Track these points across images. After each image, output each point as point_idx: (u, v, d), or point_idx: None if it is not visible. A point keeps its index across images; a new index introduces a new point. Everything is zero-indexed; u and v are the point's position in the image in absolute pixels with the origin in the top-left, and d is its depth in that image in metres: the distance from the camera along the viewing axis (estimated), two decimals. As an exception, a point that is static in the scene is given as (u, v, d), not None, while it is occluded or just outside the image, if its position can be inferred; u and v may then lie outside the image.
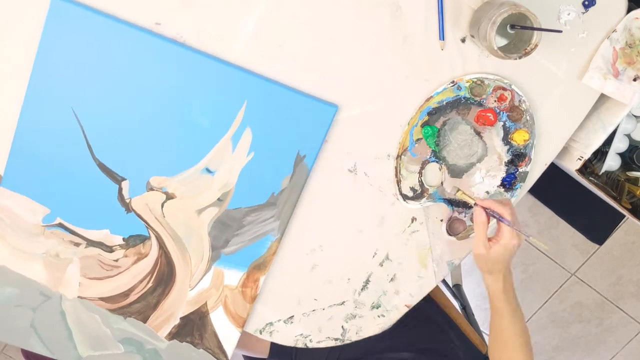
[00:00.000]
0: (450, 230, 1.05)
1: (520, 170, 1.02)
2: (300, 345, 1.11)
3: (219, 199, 1.01)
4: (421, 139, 1.00)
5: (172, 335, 1.07)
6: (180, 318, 1.06)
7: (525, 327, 0.99)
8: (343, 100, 0.98)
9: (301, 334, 1.11)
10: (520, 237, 0.88)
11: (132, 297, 1.04)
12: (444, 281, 1.71)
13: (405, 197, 1.03)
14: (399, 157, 1.01)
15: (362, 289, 1.09)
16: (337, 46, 0.95)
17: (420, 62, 0.97)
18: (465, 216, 1.04)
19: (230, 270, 1.04)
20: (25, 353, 2.01)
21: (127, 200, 0.98)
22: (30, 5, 0.88)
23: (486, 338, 1.51)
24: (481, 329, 1.48)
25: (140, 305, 1.04)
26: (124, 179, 0.97)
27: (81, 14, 0.88)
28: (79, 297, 1.03)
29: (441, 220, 1.05)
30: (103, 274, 1.02)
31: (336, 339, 1.12)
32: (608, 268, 2.08)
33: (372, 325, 1.11)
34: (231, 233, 1.02)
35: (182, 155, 0.97)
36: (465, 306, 1.65)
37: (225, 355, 1.09)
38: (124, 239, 1.01)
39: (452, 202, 1.04)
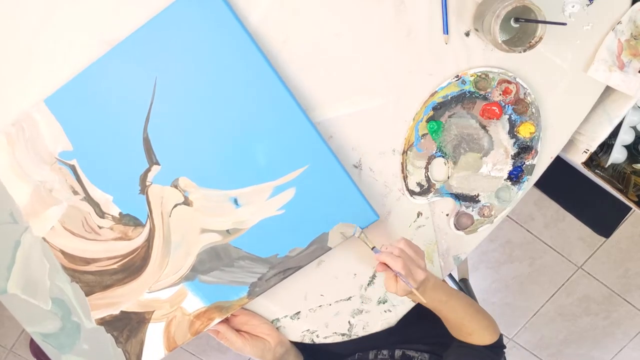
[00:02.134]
0: (458, 225, 1.05)
1: (527, 163, 1.02)
2: (307, 340, 1.12)
3: (227, 231, 1.00)
4: (427, 134, 1.00)
5: (102, 322, 1.04)
6: (121, 311, 1.03)
7: (464, 302, 1.02)
8: (347, 95, 0.98)
9: (308, 330, 1.11)
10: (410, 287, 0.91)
11: (92, 268, 1.01)
12: (450, 275, 1.71)
13: (412, 193, 1.03)
14: (404, 152, 1.01)
15: (368, 284, 1.09)
16: (341, 41, 0.95)
17: (425, 56, 0.96)
18: (472, 210, 1.04)
19: (195, 296, 1.03)
20: (34, 352, 2.02)
21: (148, 184, 0.98)
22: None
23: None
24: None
25: (93, 279, 1.02)
26: (157, 164, 0.97)
27: (215, 5, 0.90)
28: (43, 238, 1.00)
29: (447, 215, 1.05)
30: (80, 232, 1.00)
31: (343, 334, 1.12)
32: (615, 261, 2.07)
33: (378, 320, 1.11)
34: (218, 265, 1.02)
35: (222, 175, 0.98)
36: (471, 300, 1.65)
37: None
38: (120, 214, 0.99)
39: (459, 197, 1.03)
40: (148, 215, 0.99)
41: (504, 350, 1.07)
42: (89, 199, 0.98)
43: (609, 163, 1.06)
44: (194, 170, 0.97)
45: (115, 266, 1.01)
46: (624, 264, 2.08)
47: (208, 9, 0.90)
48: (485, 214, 1.05)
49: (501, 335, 1.05)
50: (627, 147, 1.06)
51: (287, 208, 0.99)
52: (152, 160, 0.96)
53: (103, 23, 0.93)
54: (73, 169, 0.97)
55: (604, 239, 2.02)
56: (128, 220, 0.99)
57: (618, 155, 1.05)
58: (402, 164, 1.01)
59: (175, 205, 0.99)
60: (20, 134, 0.95)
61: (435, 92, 0.97)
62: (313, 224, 1.00)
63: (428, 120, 0.99)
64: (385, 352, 1.10)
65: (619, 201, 1.08)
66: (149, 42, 0.92)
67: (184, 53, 0.92)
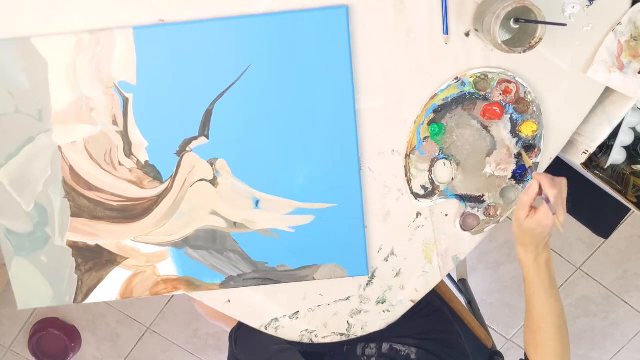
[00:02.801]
0: (464, 226, 1.05)
1: (531, 161, 1.01)
2: (305, 340, 1.11)
3: (234, 223, 1.02)
4: (428, 137, 0.99)
5: (73, 245, 1.03)
6: (97, 244, 1.04)
7: (560, 309, 0.96)
8: (347, 95, 0.98)
9: (306, 330, 1.11)
10: (555, 220, 0.87)
11: (91, 195, 1.01)
12: (449, 276, 1.71)
13: (416, 196, 1.03)
14: (407, 156, 1.01)
15: (367, 284, 1.09)
16: (341, 41, 0.95)
17: (424, 56, 0.96)
18: (478, 211, 1.04)
19: (172, 264, 1.05)
20: (33, 350, 2.02)
21: (188, 150, 0.98)
22: None
23: (491, 332, 1.51)
24: (487, 323, 1.48)
25: (87, 205, 1.01)
26: (206, 137, 0.98)
27: None
28: (59, 146, 0.98)
29: (446, 215, 1.05)
30: (99, 159, 0.99)
31: (341, 334, 1.12)
32: (614, 262, 2.07)
33: (377, 320, 1.11)
34: (208, 247, 1.03)
35: (258, 175, 1.00)
36: (470, 301, 1.65)
37: (84, 299, 1.06)
38: (146, 162, 0.99)
39: (464, 198, 1.03)
40: (171, 176, 1.00)
41: None
42: (124, 134, 0.98)
43: (608, 164, 1.06)
44: (235, 159, 0.99)
45: (114, 204, 1.01)
46: (622, 265, 2.08)
47: (330, 26, 0.93)
48: (491, 214, 1.04)
49: None
50: (626, 148, 1.06)
51: (298, 230, 1.02)
52: (203, 131, 0.97)
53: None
54: (125, 101, 0.96)
55: (602, 239, 2.02)
56: (150, 170, 1.00)
57: (617, 156, 1.05)
58: (406, 167, 1.01)
59: (201, 180, 1.00)
60: (92, 45, 0.93)
61: (435, 94, 0.97)
62: (312, 253, 1.03)
63: (429, 123, 0.99)
64: (373, 345, 1.10)
65: (618, 202, 1.08)
66: (265, 32, 0.93)
67: (289, 56, 0.94)
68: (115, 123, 0.97)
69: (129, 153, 0.99)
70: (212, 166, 0.99)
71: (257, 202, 1.01)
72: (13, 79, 0.95)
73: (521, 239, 0.93)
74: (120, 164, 0.99)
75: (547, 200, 0.86)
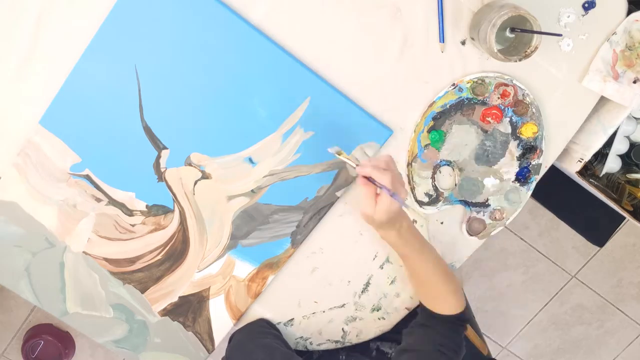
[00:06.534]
0: (471, 231, 1.05)
1: (533, 162, 1.02)
2: (300, 347, 1.11)
3: (252, 191, 1.01)
4: (429, 144, 1.00)
5: (165, 312, 1.05)
6: (179, 297, 1.05)
7: (436, 257, 0.97)
8: (343, 102, 0.98)
9: (301, 337, 1.11)
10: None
11: (138, 265, 1.02)
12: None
13: (421, 204, 1.03)
14: (409, 164, 1.01)
15: (362, 292, 1.08)
16: (337, 49, 0.95)
17: (421, 64, 0.97)
18: (483, 215, 1.04)
19: (243, 262, 1.04)
20: (26, 356, 2.01)
21: (162, 170, 0.98)
22: None
23: (486, 340, 1.51)
24: (482, 331, 1.47)
25: (143, 275, 1.03)
26: (165, 148, 0.97)
27: None
28: (83, 252, 1.01)
29: (441, 223, 1.05)
30: (115, 235, 1.01)
31: (336, 342, 1.11)
32: (609, 270, 2.07)
33: (372, 327, 1.11)
34: (254, 226, 1.02)
35: (229, 139, 0.97)
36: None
37: (213, 344, 1.08)
38: (147, 206, 1.00)
39: (468, 203, 1.03)
40: (173, 200, 1.00)
41: (466, 325, 1.00)
42: (113, 202, 0.99)
43: (603, 172, 1.06)
44: (202, 143, 0.98)
45: (159, 257, 1.02)
46: (617, 274, 2.08)
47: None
48: (497, 217, 1.04)
49: (467, 308, 1.00)
50: (621, 156, 1.06)
51: (301, 150, 0.99)
52: (158, 146, 0.97)
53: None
54: (88, 178, 0.98)
55: (597, 248, 2.02)
56: (156, 210, 1.00)
57: (612, 164, 1.05)
58: (408, 176, 1.01)
59: (196, 182, 0.99)
60: (27, 161, 0.96)
61: (434, 102, 0.97)
62: (331, 157, 0.98)
63: (429, 131, 0.99)
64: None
65: (613, 210, 1.08)
66: (115, 33, 0.91)
67: (152, 31, 0.91)
68: (98, 200, 0.99)
69: (129, 212, 1.00)
70: (191, 165, 0.98)
71: (250, 160, 0.99)
72: (9, 235, 1.00)
73: (378, 225, 0.88)
74: (132, 225, 1.01)
75: (386, 188, 0.82)
